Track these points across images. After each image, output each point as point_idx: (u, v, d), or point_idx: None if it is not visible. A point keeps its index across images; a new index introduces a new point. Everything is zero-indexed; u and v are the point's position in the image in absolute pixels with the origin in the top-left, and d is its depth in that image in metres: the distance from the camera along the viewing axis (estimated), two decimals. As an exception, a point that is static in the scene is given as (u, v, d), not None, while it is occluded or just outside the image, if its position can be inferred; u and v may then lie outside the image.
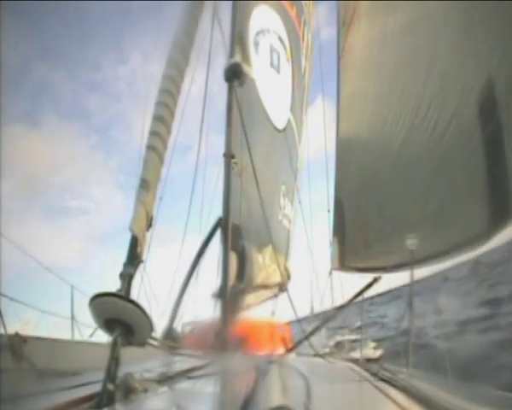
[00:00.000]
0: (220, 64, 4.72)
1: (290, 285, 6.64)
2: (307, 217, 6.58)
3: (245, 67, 4.56)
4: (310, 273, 6.03)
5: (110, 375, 1.47)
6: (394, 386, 1.93)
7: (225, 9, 5.13)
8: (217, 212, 4.53)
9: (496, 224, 3.18)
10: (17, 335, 2.19)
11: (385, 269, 4.05)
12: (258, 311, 5.86)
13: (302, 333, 4.65)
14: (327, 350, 7.40)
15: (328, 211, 6.07)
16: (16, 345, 2.12)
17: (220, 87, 4.64)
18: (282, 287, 6.36)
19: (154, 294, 3.74)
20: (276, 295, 6.32)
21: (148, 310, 1.62)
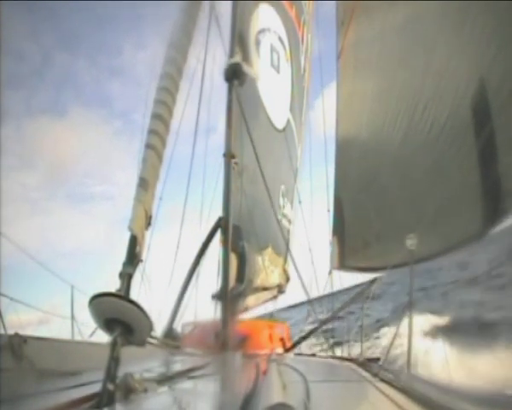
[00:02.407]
0: (219, 62, 4.72)
1: (289, 286, 6.67)
2: (307, 218, 6.59)
3: (245, 67, 4.56)
4: (309, 273, 6.02)
5: (110, 375, 1.47)
6: (394, 387, 1.93)
7: (226, 9, 5.13)
8: (217, 212, 4.53)
9: (489, 222, 3.21)
10: (17, 335, 2.19)
11: (384, 269, 4.06)
12: (257, 312, 5.88)
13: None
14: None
15: (328, 211, 6.07)
16: (16, 345, 2.11)
17: (220, 85, 4.63)
18: (281, 288, 6.37)
19: (153, 294, 3.74)
20: (275, 297, 6.33)
21: (147, 310, 1.62)
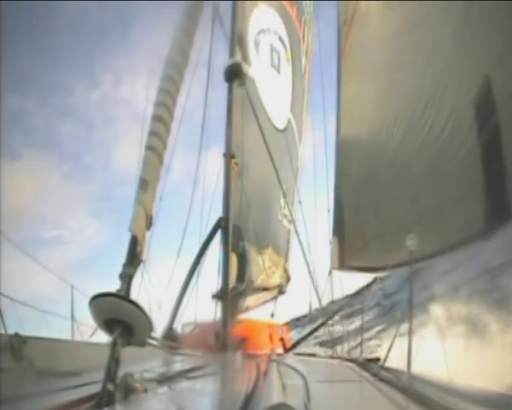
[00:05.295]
0: (221, 63, 4.72)
1: (290, 286, 6.66)
2: (311, 218, 6.57)
3: (245, 67, 4.56)
4: (310, 274, 6.00)
5: (110, 375, 1.46)
6: (394, 387, 1.93)
7: (225, 9, 5.14)
8: (217, 212, 4.53)
9: (492, 222, 3.19)
10: (17, 335, 2.19)
11: (384, 268, 4.05)
12: (258, 312, 5.87)
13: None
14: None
15: (328, 211, 6.05)
16: (16, 345, 2.11)
17: (221, 86, 4.64)
18: (281, 289, 6.37)
19: (154, 294, 3.73)
20: (275, 297, 6.33)
21: (147, 310, 1.62)
